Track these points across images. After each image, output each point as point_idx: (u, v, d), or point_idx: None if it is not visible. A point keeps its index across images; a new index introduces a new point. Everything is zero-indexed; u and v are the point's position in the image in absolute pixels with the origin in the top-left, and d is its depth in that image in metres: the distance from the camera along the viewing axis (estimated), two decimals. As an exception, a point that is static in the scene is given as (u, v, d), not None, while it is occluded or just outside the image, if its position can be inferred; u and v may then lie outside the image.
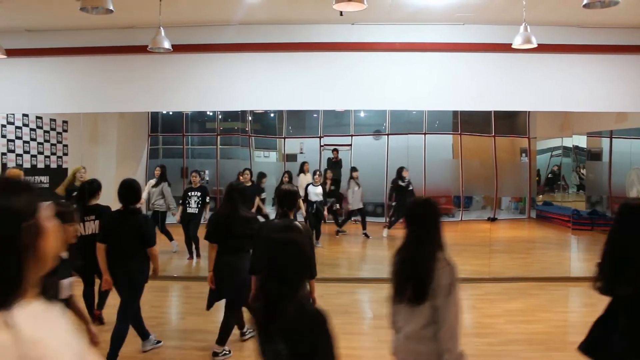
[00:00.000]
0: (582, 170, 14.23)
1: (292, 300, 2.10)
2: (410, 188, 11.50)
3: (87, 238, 5.39)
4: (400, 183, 11.46)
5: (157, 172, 10.12)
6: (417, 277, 2.68)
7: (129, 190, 4.92)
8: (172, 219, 10.48)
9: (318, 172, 11.33)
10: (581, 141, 13.76)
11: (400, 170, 11.56)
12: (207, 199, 9.54)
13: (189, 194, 9.44)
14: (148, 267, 4.95)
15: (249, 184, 10.15)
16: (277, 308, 2.10)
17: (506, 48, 7.02)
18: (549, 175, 15.32)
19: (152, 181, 9.96)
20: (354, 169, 12.01)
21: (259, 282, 2.25)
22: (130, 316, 4.95)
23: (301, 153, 15.54)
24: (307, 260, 2.18)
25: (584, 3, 4.78)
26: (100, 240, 4.89)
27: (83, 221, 5.64)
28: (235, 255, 4.99)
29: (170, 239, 9.92)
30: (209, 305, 5.29)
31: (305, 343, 2.07)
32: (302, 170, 11.99)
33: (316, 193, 10.90)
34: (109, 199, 9.97)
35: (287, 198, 4.41)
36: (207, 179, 13.20)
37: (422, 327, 2.68)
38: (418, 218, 2.80)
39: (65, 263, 3.42)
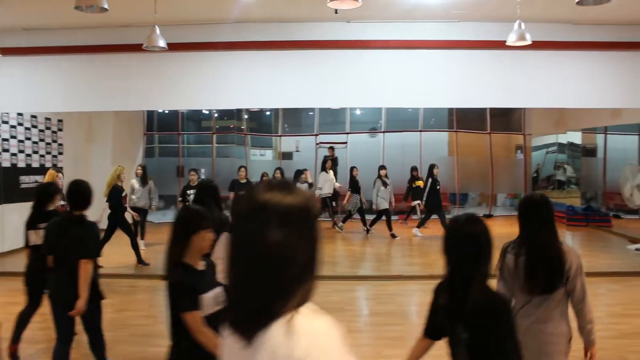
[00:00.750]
0: (565, 166, 14.32)
1: (478, 288, 2.27)
2: (438, 187, 11.37)
3: (39, 248, 4.58)
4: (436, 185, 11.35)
5: (140, 171, 9.93)
6: (553, 266, 2.91)
7: (76, 194, 4.14)
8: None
9: (307, 170, 11.66)
10: (576, 137, 13.82)
11: (431, 167, 11.48)
12: None
13: (188, 192, 9.39)
14: (97, 284, 4.20)
15: (244, 180, 10.30)
16: (465, 295, 2.26)
17: (501, 45, 7.05)
18: (534, 175, 15.41)
19: (136, 181, 9.81)
20: (382, 167, 11.71)
21: (446, 270, 2.39)
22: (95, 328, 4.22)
23: (297, 151, 15.57)
24: (491, 250, 2.35)
25: (577, 0, 4.81)
26: (45, 251, 4.17)
27: (36, 228, 4.86)
28: (208, 259, 4.43)
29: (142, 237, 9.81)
30: None
31: (484, 328, 2.22)
32: (324, 167, 12.12)
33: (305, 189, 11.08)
34: (103, 198, 10.00)
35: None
36: (203, 177, 13.21)
37: (552, 309, 2.92)
38: (538, 214, 2.98)
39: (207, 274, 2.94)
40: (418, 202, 11.91)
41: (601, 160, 12.83)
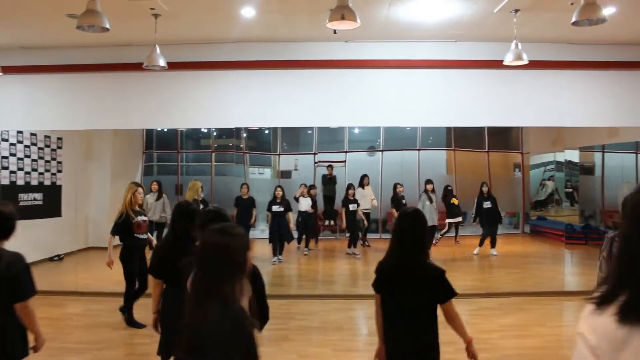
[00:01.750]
0: (547, 182, 14.39)
1: None
2: (487, 205, 11.21)
3: None
4: (485, 203, 11.21)
5: (155, 186, 10.62)
6: None
7: None
8: None
9: (304, 185, 11.78)
10: (574, 156, 13.86)
11: (481, 185, 11.44)
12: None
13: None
14: (24, 333, 3.32)
15: (246, 197, 10.87)
16: None
17: (498, 65, 7.11)
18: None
19: (151, 196, 10.36)
20: (428, 182, 11.34)
21: None
22: None
23: (296, 169, 15.60)
24: None
25: (572, 21, 4.87)
26: None
27: None
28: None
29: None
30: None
31: None
32: (361, 184, 12.02)
33: (306, 204, 11.44)
34: (102, 217, 9.96)
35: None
36: (202, 196, 13.23)
37: None
38: None
39: None
40: (456, 220, 11.94)
41: (599, 179, 12.87)
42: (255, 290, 2.98)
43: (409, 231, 3.20)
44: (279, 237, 10.65)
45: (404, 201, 11.38)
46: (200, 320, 2.08)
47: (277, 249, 10.67)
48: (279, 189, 11.00)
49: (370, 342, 6.24)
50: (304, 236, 11.73)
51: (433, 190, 11.20)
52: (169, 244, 4.13)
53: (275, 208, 10.72)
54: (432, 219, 10.70)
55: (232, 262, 2.16)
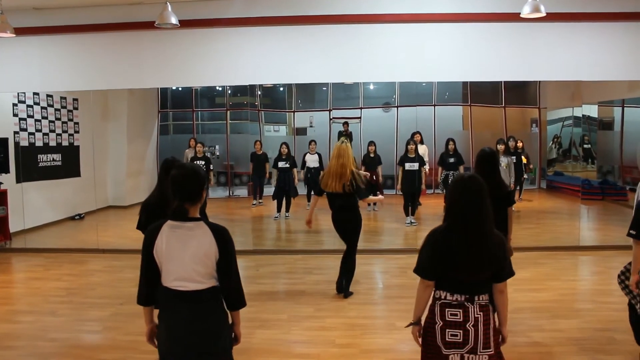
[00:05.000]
0: (559, 140, 14.25)
1: None
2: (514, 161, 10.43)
3: None
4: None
5: (193, 143, 11.85)
6: None
7: None
8: None
9: (313, 142, 11.80)
10: (592, 111, 13.65)
11: (508, 139, 10.97)
12: (211, 167, 11.13)
13: (195, 162, 10.61)
14: None
15: (260, 152, 11.52)
16: None
17: (515, 17, 6.97)
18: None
19: (190, 151, 11.59)
20: (500, 142, 10.28)
21: None
22: None
23: (311, 126, 15.59)
24: None
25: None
26: None
27: None
28: None
29: None
30: None
31: None
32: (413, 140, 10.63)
33: (313, 160, 11.50)
34: (121, 176, 10.08)
35: (186, 184, 2.89)
36: (218, 154, 13.39)
37: None
38: None
39: None
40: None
41: (618, 134, 12.69)
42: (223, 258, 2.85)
43: None
44: (285, 194, 10.80)
45: (451, 160, 10.38)
46: None
47: (282, 206, 10.85)
48: (284, 145, 11.14)
49: (386, 295, 6.37)
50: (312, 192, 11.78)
51: (504, 152, 10.18)
52: (156, 200, 3.99)
53: (280, 164, 10.88)
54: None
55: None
